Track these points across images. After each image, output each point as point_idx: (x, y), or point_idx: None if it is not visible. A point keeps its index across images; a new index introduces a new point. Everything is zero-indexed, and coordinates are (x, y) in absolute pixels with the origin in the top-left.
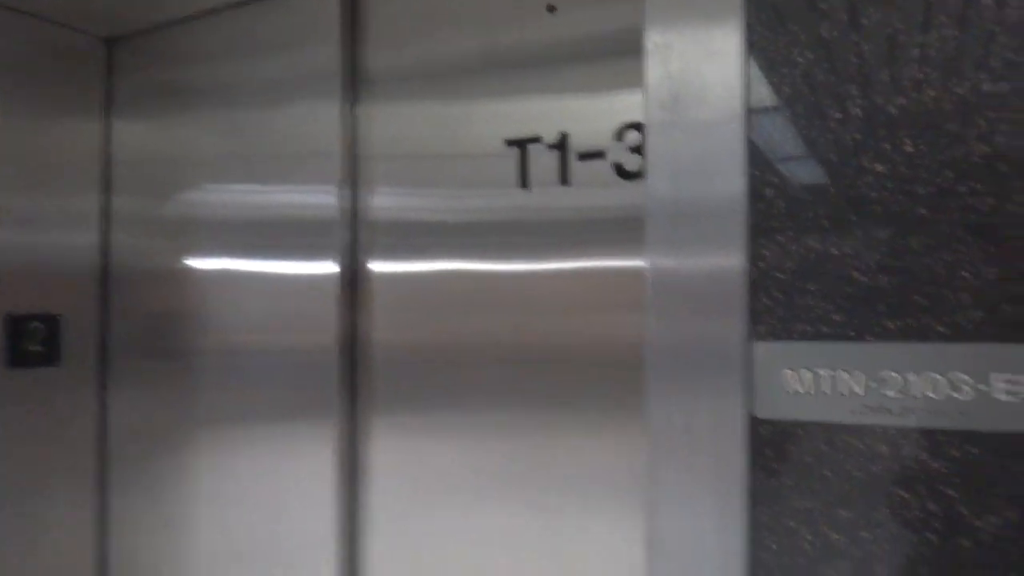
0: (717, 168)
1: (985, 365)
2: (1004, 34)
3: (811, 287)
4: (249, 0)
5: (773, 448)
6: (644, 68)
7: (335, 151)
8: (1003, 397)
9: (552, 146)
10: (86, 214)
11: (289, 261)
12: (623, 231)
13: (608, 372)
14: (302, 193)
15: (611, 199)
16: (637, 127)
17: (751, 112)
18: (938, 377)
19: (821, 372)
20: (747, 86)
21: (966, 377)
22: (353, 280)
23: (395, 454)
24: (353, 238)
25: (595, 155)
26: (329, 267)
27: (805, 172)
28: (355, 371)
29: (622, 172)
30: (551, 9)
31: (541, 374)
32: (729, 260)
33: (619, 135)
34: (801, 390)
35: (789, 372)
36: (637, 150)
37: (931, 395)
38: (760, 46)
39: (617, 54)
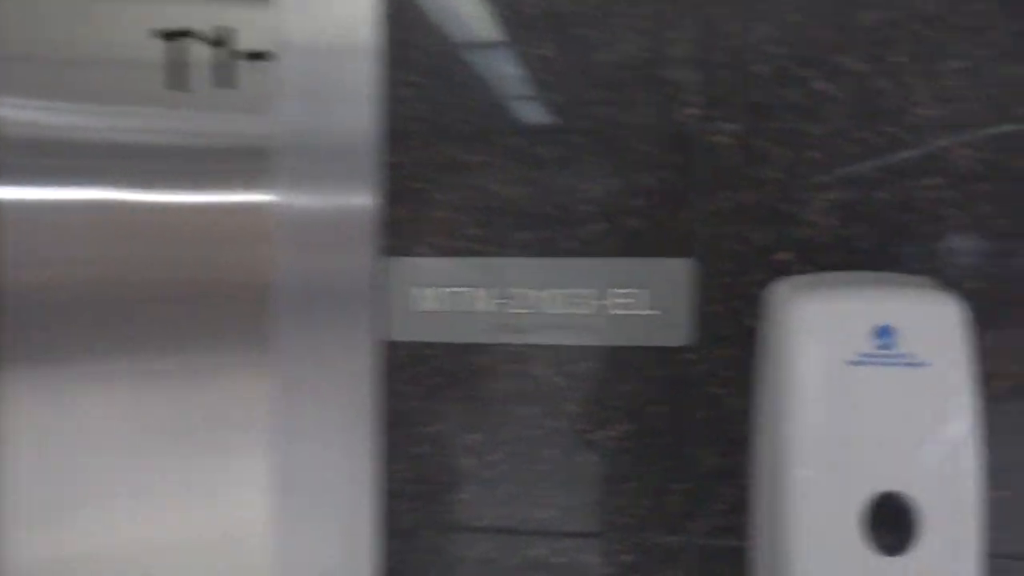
0: (348, 82)
1: (604, 280)
2: None
3: (445, 199)
4: None
5: (405, 371)
6: None
7: None
8: (618, 312)
9: (213, 43)
10: None
11: None
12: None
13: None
14: None
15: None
16: None
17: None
18: (564, 292)
19: (453, 290)
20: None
21: (587, 292)
22: None
23: (31, 411)
24: None
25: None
26: None
27: (441, 81)
28: None
29: None
30: None
31: (192, 315)
32: (360, 174)
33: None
34: (433, 309)
35: (421, 290)
36: None
37: (557, 311)
38: None
39: None
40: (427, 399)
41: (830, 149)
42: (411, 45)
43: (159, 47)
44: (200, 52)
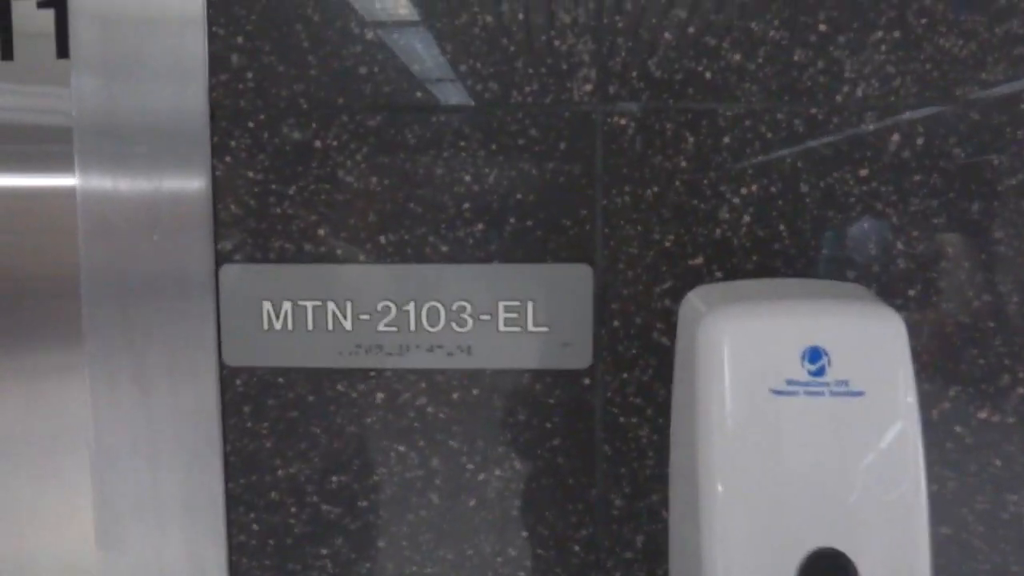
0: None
1: (487, 290)
2: None
3: (288, 192)
4: None
5: (251, 403)
6: None
7: None
8: (505, 328)
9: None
10: None
11: None
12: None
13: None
14: None
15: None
16: None
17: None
18: (438, 305)
19: (304, 303)
20: None
21: (466, 305)
22: None
23: None
24: None
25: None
26: None
27: (277, 48)
28: None
29: None
30: None
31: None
32: (190, 162)
33: None
34: (280, 327)
35: (265, 304)
36: None
37: (430, 328)
38: None
39: None
40: (280, 436)
41: (747, 134)
42: (239, 3)
43: None
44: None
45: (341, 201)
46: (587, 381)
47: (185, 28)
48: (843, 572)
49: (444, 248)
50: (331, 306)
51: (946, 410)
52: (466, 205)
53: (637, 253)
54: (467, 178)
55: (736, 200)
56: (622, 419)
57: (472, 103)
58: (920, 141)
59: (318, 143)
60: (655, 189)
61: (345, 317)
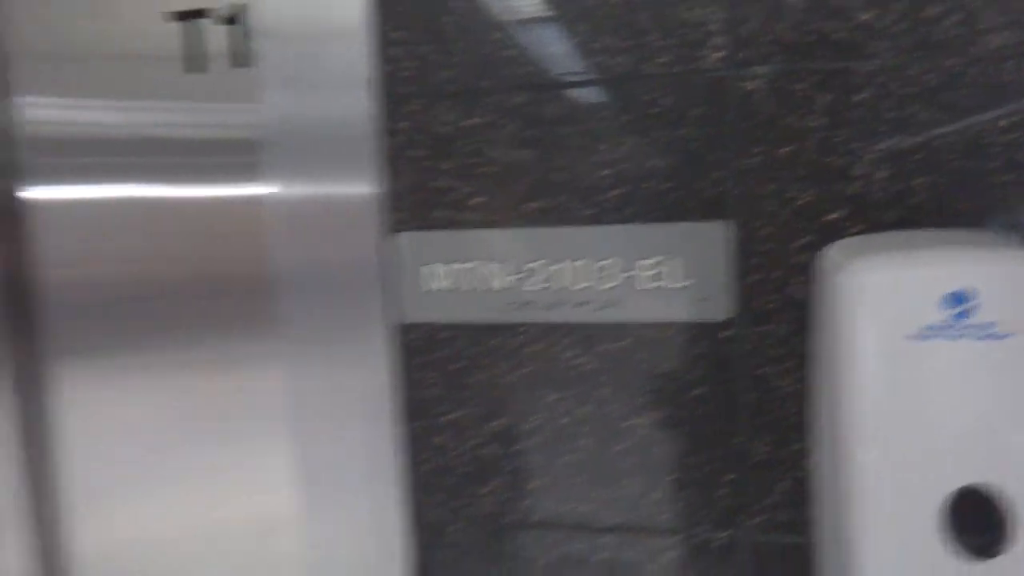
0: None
1: (630, 249)
2: None
3: (447, 167)
4: None
5: (420, 355)
6: None
7: None
8: (648, 284)
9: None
10: None
11: None
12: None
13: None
14: None
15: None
16: None
17: None
18: (584, 264)
19: (463, 265)
20: None
21: (611, 263)
22: (10, 209)
23: (76, 400)
24: (8, 159)
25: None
26: None
27: (433, 38)
28: (21, 314)
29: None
30: None
31: (220, 307)
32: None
33: None
34: (444, 287)
35: (431, 268)
36: None
37: (578, 285)
38: None
39: None
40: (447, 385)
41: (880, 90)
42: (397, 7)
43: (172, 32)
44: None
45: (492, 173)
46: (727, 333)
47: (351, 37)
48: (988, 507)
49: (588, 212)
50: (487, 267)
51: None
52: (607, 171)
53: (773, 210)
54: (605, 147)
55: (872, 156)
56: (763, 370)
57: (607, 76)
58: None
59: (469, 122)
60: (789, 148)
61: (500, 277)
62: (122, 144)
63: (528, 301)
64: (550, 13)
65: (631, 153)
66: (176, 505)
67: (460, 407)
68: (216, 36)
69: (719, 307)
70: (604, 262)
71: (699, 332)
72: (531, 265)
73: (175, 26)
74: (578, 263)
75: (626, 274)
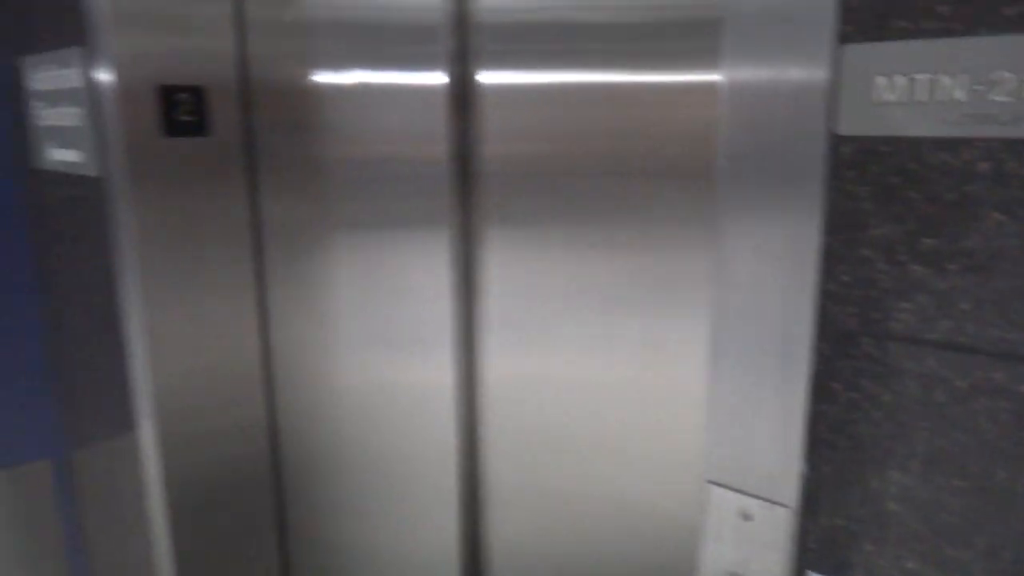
0: None
1: None
2: None
3: None
4: None
5: (854, 169)
6: None
7: None
8: None
9: None
10: None
11: (398, 71)
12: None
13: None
14: None
15: None
16: None
17: None
18: None
19: (918, 76)
20: None
21: None
22: (464, 91)
23: (503, 263)
24: (465, 45)
25: None
26: (438, 77)
27: None
28: (466, 185)
29: None
30: None
31: (654, 191)
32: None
33: None
34: (893, 99)
35: (880, 79)
36: None
37: None
38: None
39: None
40: (879, 200)
41: None
42: None
43: None
44: None
45: None
46: None
47: None
48: None
49: None
50: (944, 78)
51: None
52: None
53: None
54: None
55: None
56: None
57: None
58: None
59: None
60: None
61: (958, 88)
62: (576, 29)
63: (987, 114)
64: None
65: None
66: (579, 359)
67: (891, 222)
68: None
69: None
70: None
71: None
72: (996, 75)
73: None
74: None
75: None
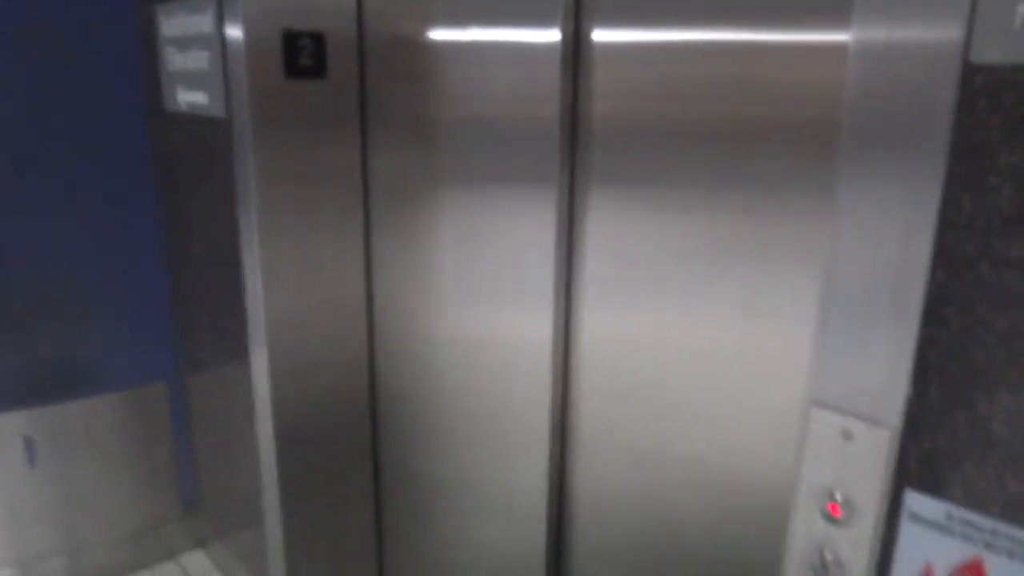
0: None
1: None
2: None
3: None
4: None
5: (987, 98)
6: None
7: None
8: None
9: None
10: None
11: (511, 28)
12: None
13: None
14: None
15: None
16: None
17: None
18: None
19: None
20: None
21: None
22: (577, 49)
23: (605, 223)
24: (577, 1)
25: None
26: (552, 35)
27: None
28: (574, 144)
29: None
30: None
31: (764, 153)
32: None
33: None
34: None
35: (1022, 6)
36: None
37: None
38: None
39: None
40: (1011, 129)
41: None
42: None
43: None
44: None
45: None
46: None
47: None
48: None
49: None
50: None
51: None
52: None
53: None
54: None
55: None
56: None
57: None
58: None
59: None
60: None
61: None
62: None
63: None
64: None
65: None
66: (676, 321)
67: (1021, 151)
68: None
69: None
70: None
71: None
72: None
73: None
74: None
75: None
